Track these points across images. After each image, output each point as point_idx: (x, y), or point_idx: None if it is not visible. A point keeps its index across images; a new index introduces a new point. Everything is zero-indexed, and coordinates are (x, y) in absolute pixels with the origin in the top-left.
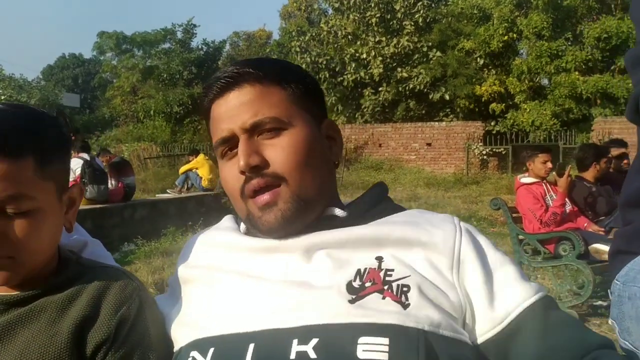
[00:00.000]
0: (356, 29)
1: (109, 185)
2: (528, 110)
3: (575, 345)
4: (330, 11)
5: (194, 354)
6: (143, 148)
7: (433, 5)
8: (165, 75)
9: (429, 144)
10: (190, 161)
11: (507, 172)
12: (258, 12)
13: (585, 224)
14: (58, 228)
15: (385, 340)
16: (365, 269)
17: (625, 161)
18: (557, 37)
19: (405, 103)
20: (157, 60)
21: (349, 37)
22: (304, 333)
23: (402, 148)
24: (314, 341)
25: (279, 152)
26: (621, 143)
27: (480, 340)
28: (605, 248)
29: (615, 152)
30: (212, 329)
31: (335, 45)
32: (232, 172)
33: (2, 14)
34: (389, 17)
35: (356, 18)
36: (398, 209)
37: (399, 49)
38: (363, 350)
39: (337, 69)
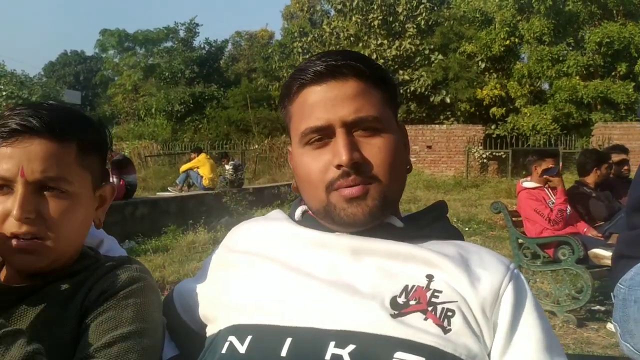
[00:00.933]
0: (358, 30)
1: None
2: (528, 114)
3: None
4: (333, 12)
5: (232, 339)
6: (144, 146)
7: (435, 8)
8: (167, 74)
9: (429, 147)
10: (193, 159)
11: (507, 175)
12: (260, 12)
13: (585, 229)
14: (88, 220)
15: None
16: (413, 286)
17: (625, 167)
18: (558, 41)
19: (406, 105)
20: (159, 58)
21: (351, 38)
22: (341, 337)
23: None
24: (351, 347)
25: (376, 152)
26: (622, 149)
27: None
28: (604, 253)
29: (615, 158)
30: (252, 317)
31: (337, 47)
32: (319, 162)
33: (5, 10)
34: (391, 19)
35: (358, 20)
36: (454, 231)
37: (401, 52)
38: None
39: None
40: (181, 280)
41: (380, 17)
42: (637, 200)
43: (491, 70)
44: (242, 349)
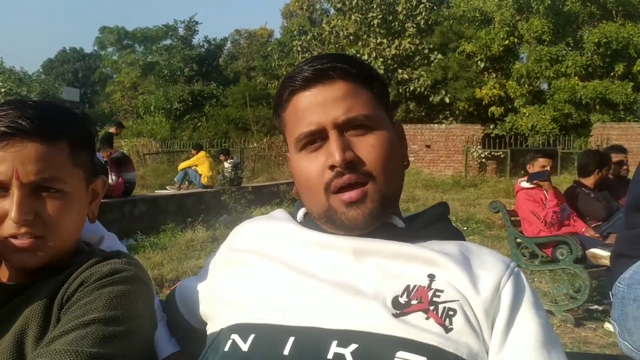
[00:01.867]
0: (358, 29)
1: (110, 181)
2: (527, 114)
3: None
4: (332, 11)
5: (235, 337)
6: (142, 144)
7: (435, 7)
8: (165, 72)
9: (428, 146)
10: (193, 156)
11: (505, 175)
12: (260, 10)
13: (583, 229)
14: (83, 215)
15: (423, 359)
16: (415, 285)
17: (624, 167)
18: (557, 42)
19: (405, 105)
20: (158, 56)
21: (351, 37)
22: (344, 336)
23: None
24: (353, 346)
25: (369, 149)
26: (621, 149)
27: None
28: (602, 253)
29: (614, 158)
30: (255, 316)
31: (337, 46)
32: (315, 166)
33: (4, 6)
34: (390, 18)
35: (358, 19)
36: (455, 232)
37: (400, 51)
38: None
39: None
40: (180, 278)
41: (379, 16)
42: (636, 200)
43: (490, 70)
44: (244, 347)
